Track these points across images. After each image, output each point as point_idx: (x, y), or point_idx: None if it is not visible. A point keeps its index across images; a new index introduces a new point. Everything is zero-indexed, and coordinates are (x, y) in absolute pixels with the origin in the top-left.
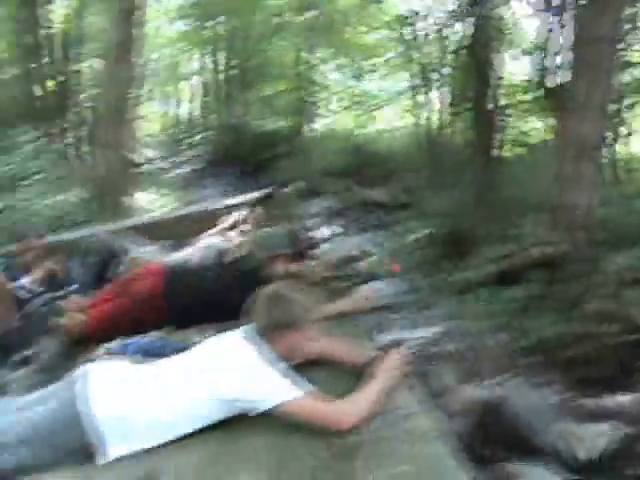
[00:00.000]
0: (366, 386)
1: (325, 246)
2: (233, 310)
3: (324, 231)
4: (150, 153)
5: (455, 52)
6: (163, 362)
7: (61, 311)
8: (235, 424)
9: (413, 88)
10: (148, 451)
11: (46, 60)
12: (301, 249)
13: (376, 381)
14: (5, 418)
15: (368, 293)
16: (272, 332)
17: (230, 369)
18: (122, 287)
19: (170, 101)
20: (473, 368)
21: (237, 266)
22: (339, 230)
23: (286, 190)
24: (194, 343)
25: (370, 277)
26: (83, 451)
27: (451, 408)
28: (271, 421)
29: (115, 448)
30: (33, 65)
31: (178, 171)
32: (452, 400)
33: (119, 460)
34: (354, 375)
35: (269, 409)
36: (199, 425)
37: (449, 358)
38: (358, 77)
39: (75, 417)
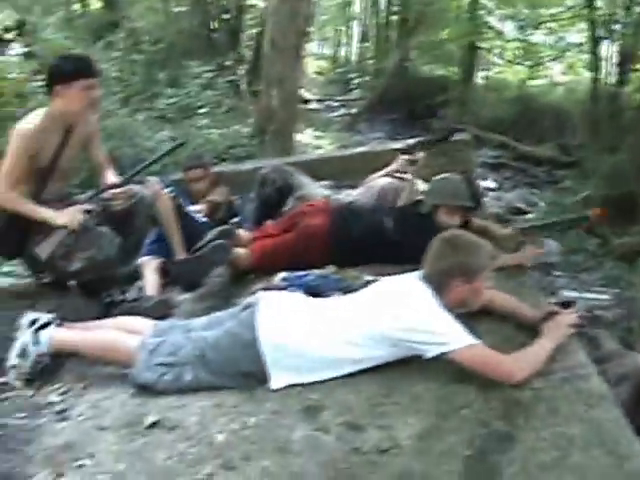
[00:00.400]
0: (538, 342)
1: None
2: (400, 253)
3: (484, 184)
4: (307, 94)
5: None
6: (338, 298)
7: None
8: (399, 368)
9: (594, 40)
10: (314, 384)
11: None
12: (478, 202)
13: (548, 339)
14: (174, 337)
15: (537, 250)
16: (447, 277)
17: (409, 309)
18: (289, 222)
19: (329, 43)
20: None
21: (408, 210)
22: (494, 185)
23: (462, 136)
24: (362, 283)
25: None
26: (257, 375)
27: (613, 374)
28: (433, 369)
29: (283, 376)
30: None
31: (335, 113)
32: (615, 366)
33: (287, 388)
34: (516, 329)
35: (443, 353)
36: (366, 364)
37: (613, 324)
38: (532, 27)
39: (253, 341)
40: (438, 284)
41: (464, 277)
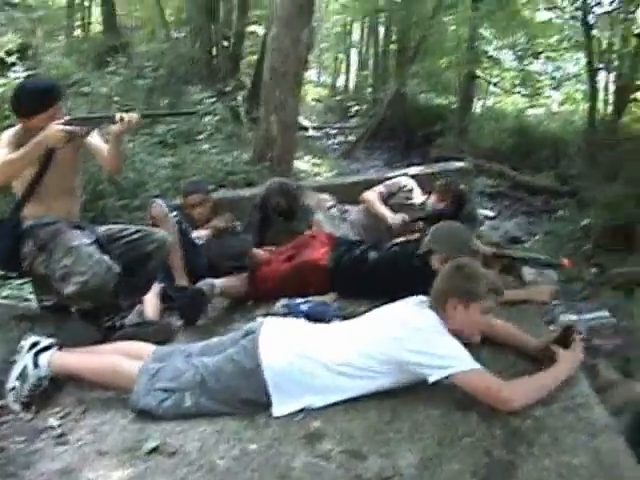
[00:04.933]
0: (549, 371)
1: (482, 228)
2: (395, 289)
3: (482, 212)
4: (306, 121)
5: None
6: (338, 323)
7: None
8: (401, 395)
9: (590, 71)
10: (315, 411)
11: (221, 22)
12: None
13: (561, 370)
14: (175, 363)
15: (549, 287)
16: (445, 296)
17: (415, 330)
18: (291, 252)
19: (328, 71)
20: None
21: (407, 250)
22: (492, 214)
23: (462, 165)
24: (364, 310)
25: (539, 262)
26: (258, 402)
27: (614, 403)
28: (434, 396)
29: (286, 403)
30: (212, 26)
31: (333, 141)
32: (615, 395)
33: (288, 416)
34: (516, 356)
35: (445, 376)
36: (370, 389)
37: (612, 354)
38: (530, 57)
39: (255, 368)
40: (437, 303)
41: (460, 299)
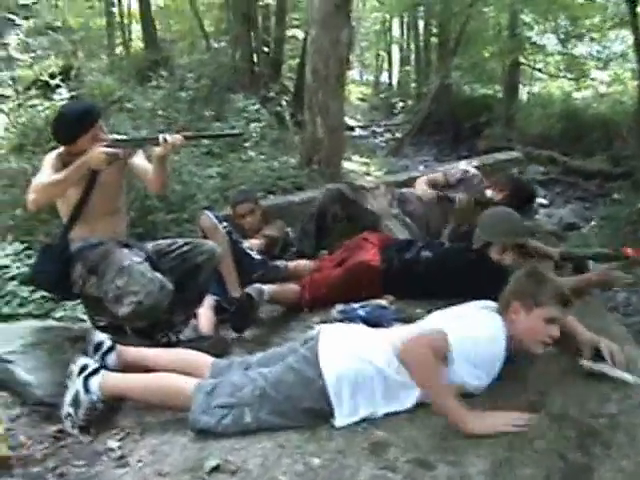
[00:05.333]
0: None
1: (537, 216)
2: (455, 288)
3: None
4: (352, 120)
5: None
6: (400, 327)
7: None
8: (466, 398)
9: (637, 49)
10: (377, 420)
11: (260, 28)
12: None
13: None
14: (233, 377)
15: (605, 273)
16: (510, 297)
17: (474, 328)
18: (342, 255)
19: (370, 69)
20: None
21: (459, 246)
22: (545, 201)
23: (513, 155)
24: (424, 312)
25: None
26: (320, 412)
27: None
28: (502, 398)
29: (347, 411)
30: (252, 33)
31: (380, 139)
32: None
33: (351, 426)
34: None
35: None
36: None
37: None
38: (573, 39)
39: (316, 376)
40: (502, 304)
41: (523, 302)
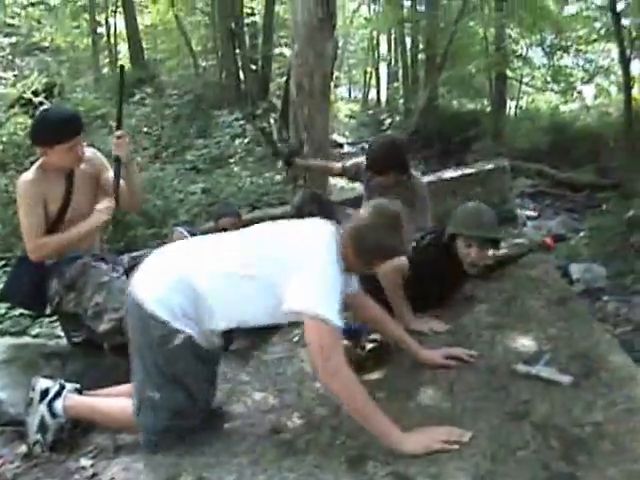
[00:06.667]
0: None
1: (525, 229)
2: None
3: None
4: (340, 137)
5: None
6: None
7: None
8: (446, 409)
9: (624, 60)
10: (355, 433)
11: (247, 46)
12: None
13: None
14: None
15: None
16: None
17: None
18: None
19: (358, 86)
20: None
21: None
22: (534, 213)
23: (498, 165)
24: None
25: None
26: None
27: None
28: (483, 408)
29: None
30: (237, 51)
31: None
32: None
33: (329, 439)
34: None
35: (294, 311)
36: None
37: None
38: (559, 51)
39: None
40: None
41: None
